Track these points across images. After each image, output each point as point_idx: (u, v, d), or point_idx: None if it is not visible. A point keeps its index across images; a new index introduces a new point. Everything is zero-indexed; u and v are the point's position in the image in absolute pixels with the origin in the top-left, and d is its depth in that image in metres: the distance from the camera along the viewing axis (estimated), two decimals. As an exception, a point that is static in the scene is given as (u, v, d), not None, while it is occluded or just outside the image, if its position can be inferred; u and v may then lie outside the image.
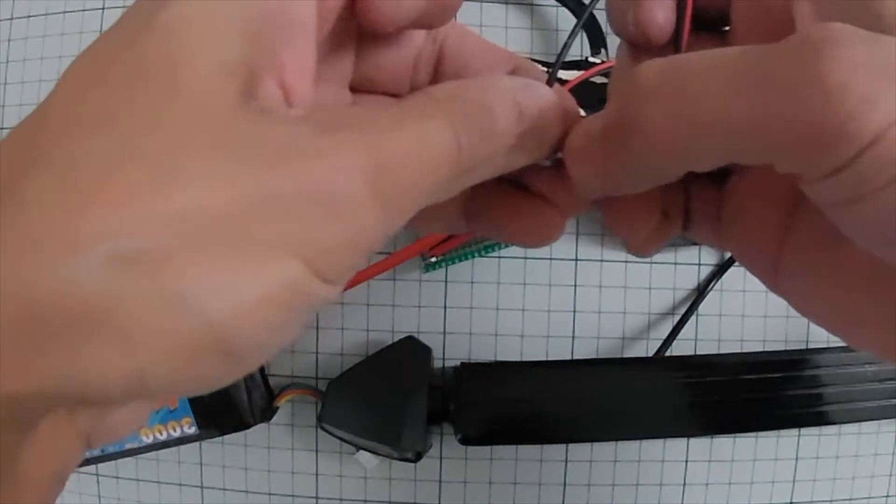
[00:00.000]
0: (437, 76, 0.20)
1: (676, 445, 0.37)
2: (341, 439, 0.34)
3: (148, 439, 0.36)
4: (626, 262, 0.37)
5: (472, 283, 0.37)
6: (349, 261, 0.14)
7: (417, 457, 0.34)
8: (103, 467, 0.39)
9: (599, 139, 0.16)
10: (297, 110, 0.15)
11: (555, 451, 0.37)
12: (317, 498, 0.37)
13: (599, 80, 0.33)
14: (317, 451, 0.37)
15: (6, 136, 0.13)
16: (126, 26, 0.14)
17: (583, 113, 0.32)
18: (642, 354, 0.37)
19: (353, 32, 0.19)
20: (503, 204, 0.19)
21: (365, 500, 0.37)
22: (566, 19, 0.37)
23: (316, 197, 0.13)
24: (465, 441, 0.34)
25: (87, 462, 0.37)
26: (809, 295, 0.17)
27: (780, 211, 0.17)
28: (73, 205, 0.11)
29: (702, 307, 0.37)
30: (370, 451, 0.35)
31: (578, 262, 0.37)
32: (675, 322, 0.37)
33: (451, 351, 0.37)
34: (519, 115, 0.16)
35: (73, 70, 0.14)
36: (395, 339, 0.35)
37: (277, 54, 0.14)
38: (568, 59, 0.33)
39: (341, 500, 0.37)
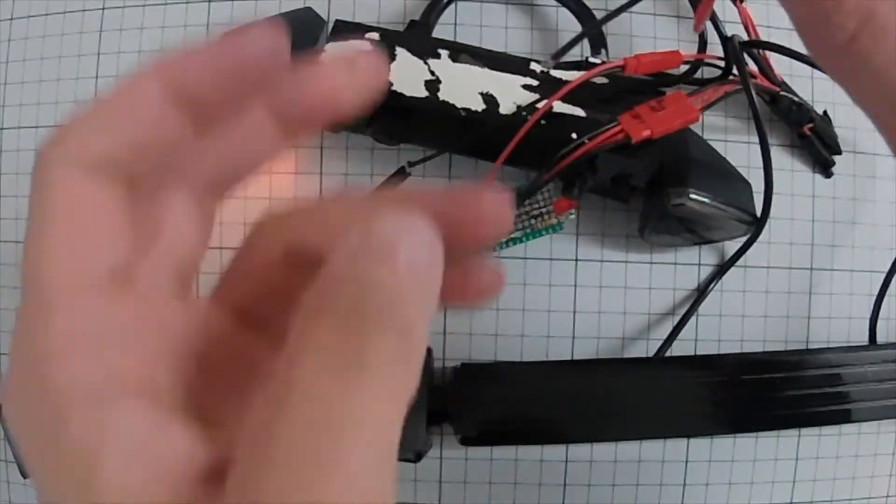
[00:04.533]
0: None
1: (676, 445, 0.37)
2: (341, 439, 0.34)
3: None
4: (626, 262, 0.37)
5: (472, 283, 0.37)
6: None
7: (417, 457, 0.34)
8: (103, 467, 0.38)
9: None
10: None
11: (555, 451, 0.37)
12: (317, 498, 0.37)
13: (600, 80, 0.33)
14: (317, 451, 0.37)
15: None
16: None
17: (584, 114, 0.32)
18: (642, 354, 0.37)
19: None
20: None
21: (365, 500, 0.37)
22: (566, 19, 0.37)
23: None
24: (465, 441, 0.34)
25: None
26: None
27: None
28: None
29: (702, 307, 0.37)
30: (370, 452, 0.34)
31: (578, 262, 0.37)
32: (675, 322, 0.37)
33: (451, 351, 0.37)
34: (411, 273, 0.13)
35: None
36: (396, 340, 0.35)
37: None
38: (568, 59, 0.33)
39: (341, 500, 0.37)
